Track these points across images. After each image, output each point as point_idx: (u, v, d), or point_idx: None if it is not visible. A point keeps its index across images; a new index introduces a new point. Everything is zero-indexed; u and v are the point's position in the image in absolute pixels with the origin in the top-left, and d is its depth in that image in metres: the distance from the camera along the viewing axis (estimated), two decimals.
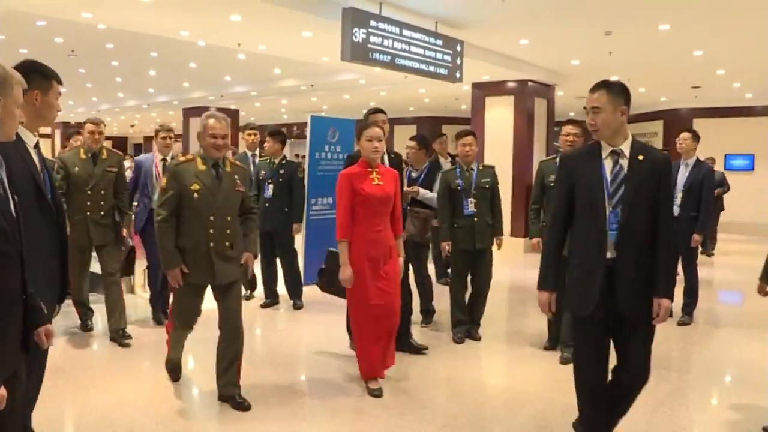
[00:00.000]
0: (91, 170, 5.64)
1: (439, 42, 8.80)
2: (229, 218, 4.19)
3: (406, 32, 8.10)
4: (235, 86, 17.07)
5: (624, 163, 3.21)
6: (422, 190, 6.35)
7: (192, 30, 9.20)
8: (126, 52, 12.67)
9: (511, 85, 12.82)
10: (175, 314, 4.46)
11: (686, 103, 17.18)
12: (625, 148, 3.24)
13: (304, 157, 9.29)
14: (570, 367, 3.51)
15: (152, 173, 6.33)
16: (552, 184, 5.32)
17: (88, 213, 5.61)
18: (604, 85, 3.23)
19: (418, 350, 5.58)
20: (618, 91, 3.21)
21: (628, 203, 3.15)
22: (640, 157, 3.20)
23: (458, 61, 9.25)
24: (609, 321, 3.23)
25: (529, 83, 12.70)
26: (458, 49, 9.20)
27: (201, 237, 4.12)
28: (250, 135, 7.57)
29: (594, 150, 3.28)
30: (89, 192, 5.61)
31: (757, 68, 11.97)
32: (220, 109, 4.60)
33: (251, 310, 7.02)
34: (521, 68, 11.89)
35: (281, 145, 7.15)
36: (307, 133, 7.85)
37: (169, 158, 6.30)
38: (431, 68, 8.73)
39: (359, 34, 7.35)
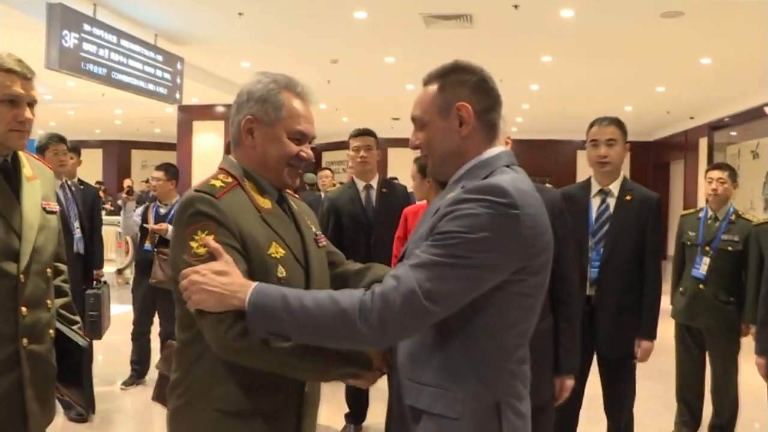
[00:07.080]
0: None
1: (159, 57, 7.78)
2: None
3: (124, 42, 6.96)
4: None
5: (611, 202, 3.18)
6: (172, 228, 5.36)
7: None
8: None
9: (220, 109, 12.08)
10: None
11: (383, 133, 17.95)
12: (615, 187, 3.20)
13: None
14: None
15: None
16: (689, 243, 4.18)
17: None
18: (614, 121, 3.18)
19: None
20: (624, 128, 3.19)
21: (611, 242, 3.11)
22: (628, 197, 3.16)
23: (178, 81, 8.31)
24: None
25: None
26: (178, 66, 8.27)
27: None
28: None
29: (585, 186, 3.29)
30: None
31: None
32: None
33: None
34: (234, 92, 11.23)
35: None
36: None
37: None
38: (150, 86, 7.65)
39: (70, 39, 6.07)
